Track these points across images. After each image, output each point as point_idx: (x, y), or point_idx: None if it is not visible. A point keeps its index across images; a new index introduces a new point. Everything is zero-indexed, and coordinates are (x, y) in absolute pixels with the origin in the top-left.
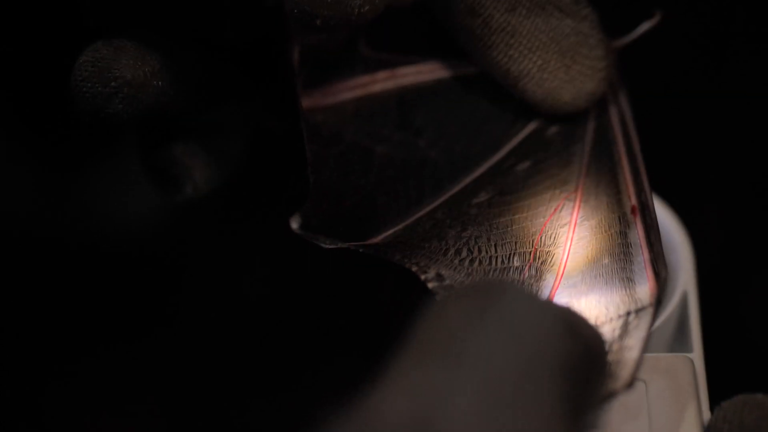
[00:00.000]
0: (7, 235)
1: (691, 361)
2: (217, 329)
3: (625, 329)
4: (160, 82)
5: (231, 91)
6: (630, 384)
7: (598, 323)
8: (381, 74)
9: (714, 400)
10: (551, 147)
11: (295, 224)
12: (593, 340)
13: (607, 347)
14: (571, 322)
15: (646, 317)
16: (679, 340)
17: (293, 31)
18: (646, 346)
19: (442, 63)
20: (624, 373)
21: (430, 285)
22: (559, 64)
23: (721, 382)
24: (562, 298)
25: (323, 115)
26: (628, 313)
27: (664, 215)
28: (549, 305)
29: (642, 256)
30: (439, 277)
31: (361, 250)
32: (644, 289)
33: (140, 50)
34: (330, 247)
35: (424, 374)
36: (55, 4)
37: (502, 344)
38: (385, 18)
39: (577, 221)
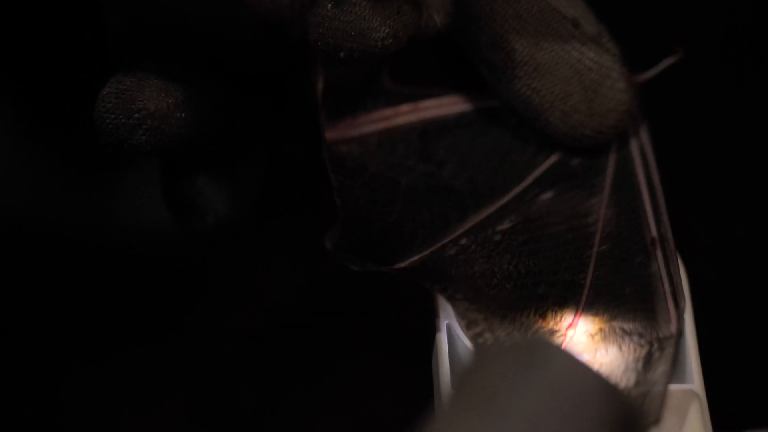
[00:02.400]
0: (29, 234)
1: (698, 396)
2: (233, 333)
3: (648, 361)
4: (183, 114)
5: (253, 121)
6: (658, 420)
7: (623, 352)
8: (404, 107)
9: None
10: (573, 178)
11: (328, 242)
12: (631, 409)
13: (643, 420)
14: (613, 390)
15: (669, 349)
16: (675, 367)
17: (317, 63)
18: (670, 380)
19: (464, 96)
20: (653, 408)
21: (456, 309)
22: (582, 97)
23: (721, 414)
24: (585, 326)
25: (347, 147)
26: (651, 344)
27: None
28: (592, 371)
29: (662, 288)
30: (465, 301)
31: (391, 273)
32: (665, 320)
33: (164, 82)
34: (358, 269)
35: (466, 426)
36: (82, 31)
37: (545, 402)
38: (408, 51)
39: (599, 251)
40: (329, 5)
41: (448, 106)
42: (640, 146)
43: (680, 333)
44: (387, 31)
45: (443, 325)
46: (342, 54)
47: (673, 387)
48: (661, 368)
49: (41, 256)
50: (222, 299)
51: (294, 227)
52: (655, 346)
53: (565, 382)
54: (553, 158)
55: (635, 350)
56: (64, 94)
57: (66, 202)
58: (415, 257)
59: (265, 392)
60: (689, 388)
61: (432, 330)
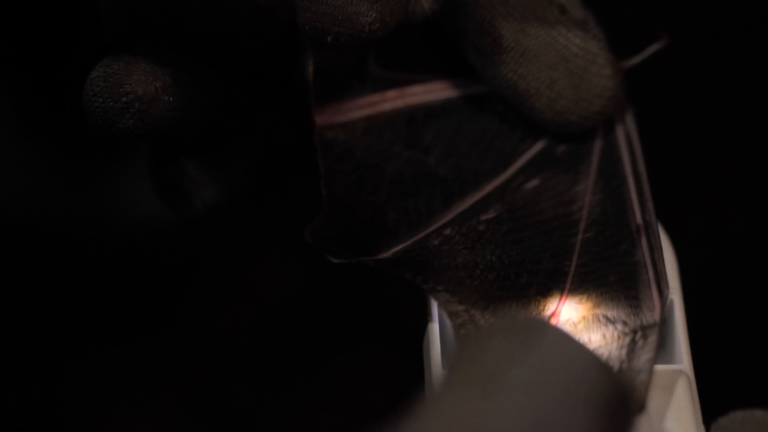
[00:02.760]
0: (24, 230)
1: (687, 376)
2: (227, 329)
3: (632, 349)
4: (171, 98)
5: (243, 106)
6: (642, 408)
7: (606, 340)
8: (390, 93)
9: (705, 413)
10: (559, 165)
11: (308, 236)
12: (623, 388)
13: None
14: (604, 366)
15: (652, 337)
16: (664, 349)
17: (306, 48)
18: (653, 369)
19: (451, 81)
20: (637, 397)
21: (438, 304)
22: (568, 83)
23: (710, 394)
24: (568, 314)
25: (334, 132)
26: (635, 331)
27: None
28: (585, 347)
29: (646, 275)
30: (448, 293)
31: (372, 265)
32: (649, 307)
33: (152, 65)
34: (339, 261)
35: (463, 405)
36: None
37: (540, 378)
38: (395, 36)
39: (583, 239)
40: None
41: (435, 92)
42: (626, 133)
43: (663, 321)
44: (374, 15)
45: (435, 314)
46: (329, 38)
47: (662, 367)
48: (645, 356)
49: (36, 251)
50: (216, 295)
51: (287, 222)
52: (639, 334)
53: (560, 359)
54: (539, 145)
55: (619, 338)
56: (61, 88)
57: (61, 197)
58: (399, 247)
59: (259, 387)
60: (678, 368)
61: (424, 322)
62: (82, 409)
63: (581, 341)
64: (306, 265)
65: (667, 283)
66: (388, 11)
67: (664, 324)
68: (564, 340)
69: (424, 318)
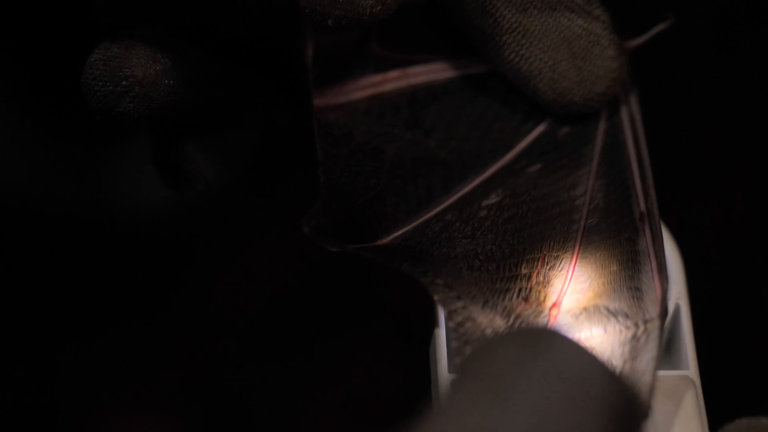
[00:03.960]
0: (20, 211)
1: (694, 383)
2: (225, 312)
3: (634, 346)
4: (171, 81)
5: (243, 88)
6: (647, 414)
7: (608, 334)
8: (392, 73)
9: (710, 420)
10: (562, 148)
11: (305, 226)
12: (631, 395)
13: (644, 404)
14: (613, 374)
15: (654, 332)
16: (670, 354)
17: (306, 31)
18: (656, 368)
19: (453, 62)
20: (643, 403)
21: (437, 298)
22: (571, 64)
23: (716, 400)
24: (569, 305)
25: (335, 114)
26: (636, 325)
27: None
28: (593, 356)
29: (649, 265)
30: (447, 287)
31: (368, 255)
32: (651, 299)
33: (151, 48)
34: (336, 250)
35: (472, 413)
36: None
37: (550, 387)
38: (397, 17)
39: (586, 225)
40: None
41: (436, 72)
42: (630, 116)
43: (665, 313)
44: None
45: (441, 320)
46: (330, 22)
47: (669, 373)
48: (648, 355)
49: (32, 234)
50: (214, 279)
51: (286, 204)
52: (641, 328)
53: (568, 369)
54: (541, 127)
55: (621, 332)
56: (60, 71)
57: (58, 180)
58: (398, 233)
59: (256, 371)
60: (685, 374)
61: (423, 303)
62: (77, 392)
63: (584, 338)
64: (305, 248)
65: (666, 274)
66: None
67: (665, 317)
68: (572, 350)
69: (424, 299)
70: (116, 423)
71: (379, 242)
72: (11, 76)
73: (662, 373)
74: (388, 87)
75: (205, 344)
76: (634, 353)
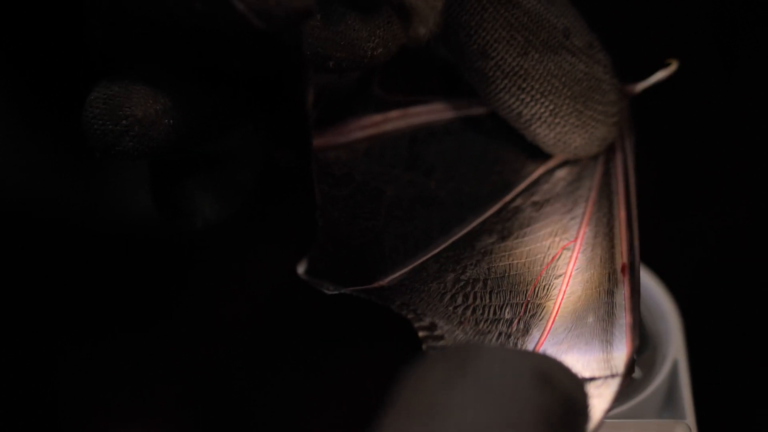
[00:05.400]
0: (22, 220)
1: (689, 428)
2: (224, 321)
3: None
4: (171, 120)
5: (242, 127)
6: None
7: None
8: (393, 113)
9: None
10: (557, 190)
11: (301, 269)
12: (572, 390)
13: (586, 392)
14: (549, 374)
15: (612, 388)
16: (669, 409)
17: (308, 72)
18: (605, 416)
19: (453, 103)
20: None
21: (421, 334)
22: (571, 108)
23: None
24: None
25: (335, 153)
26: (600, 379)
27: (652, 284)
28: (525, 360)
29: (624, 320)
30: (432, 326)
31: (363, 297)
32: (621, 355)
33: (151, 88)
34: (333, 293)
35: None
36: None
37: (481, 402)
38: (397, 59)
39: (572, 273)
40: (319, 16)
41: (437, 112)
42: (624, 164)
43: (630, 370)
44: (376, 41)
45: None
46: (331, 63)
47: (667, 421)
48: (599, 400)
49: (32, 242)
50: (213, 288)
51: (285, 214)
52: (603, 381)
53: (496, 377)
54: (540, 169)
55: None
56: (60, 78)
57: (58, 187)
58: (396, 274)
59: (256, 381)
60: (683, 422)
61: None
62: (77, 401)
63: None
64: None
65: (638, 332)
66: (390, 37)
67: (629, 375)
68: (500, 358)
69: None
70: (116, 430)
71: (375, 285)
72: (9, 81)
73: (664, 420)
74: (389, 127)
75: (205, 352)
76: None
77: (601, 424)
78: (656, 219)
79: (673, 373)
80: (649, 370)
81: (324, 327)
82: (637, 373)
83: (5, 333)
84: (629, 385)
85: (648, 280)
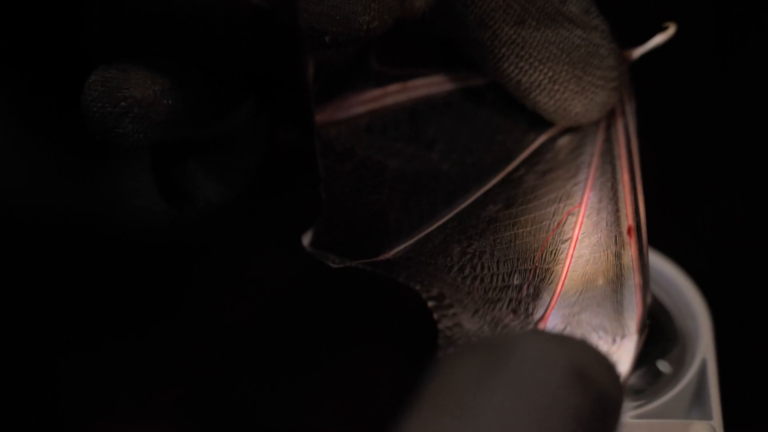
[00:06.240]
0: (23, 223)
1: (713, 428)
2: (227, 323)
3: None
4: (170, 101)
5: (242, 106)
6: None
7: None
8: (392, 87)
9: None
10: (560, 158)
11: (306, 242)
12: (607, 387)
13: (621, 387)
14: (585, 369)
15: (629, 347)
16: (697, 408)
17: (305, 48)
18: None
19: (453, 74)
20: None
21: (430, 304)
22: (570, 75)
23: None
24: (556, 320)
25: (336, 130)
26: (614, 340)
27: (683, 282)
28: (560, 354)
29: (632, 280)
30: (441, 296)
31: (368, 269)
32: (631, 315)
33: (149, 70)
34: (338, 266)
35: (437, 430)
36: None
37: (512, 402)
38: (394, 31)
39: (579, 237)
40: None
41: (437, 84)
42: (626, 128)
43: (643, 328)
44: (371, 14)
45: None
46: (327, 38)
47: (694, 421)
48: (620, 365)
49: (33, 244)
50: (216, 290)
51: (287, 215)
52: (618, 342)
53: (531, 375)
54: (542, 137)
55: (598, 346)
56: (61, 81)
57: (59, 189)
58: (401, 247)
59: (259, 383)
60: (709, 423)
61: (426, 319)
62: (79, 405)
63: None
64: (306, 259)
65: (650, 289)
66: (385, 9)
67: (644, 332)
68: (533, 353)
69: (426, 315)
70: None
71: (381, 257)
72: (10, 82)
73: (686, 421)
74: (389, 101)
75: (207, 355)
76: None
77: (625, 387)
78: (682, 209)
79: (702, 373)
80: (678, 369)
81: (325, 329)
82: (666, 368)
83: (6, 335)
84: (658, 382)
85: (679, 278)
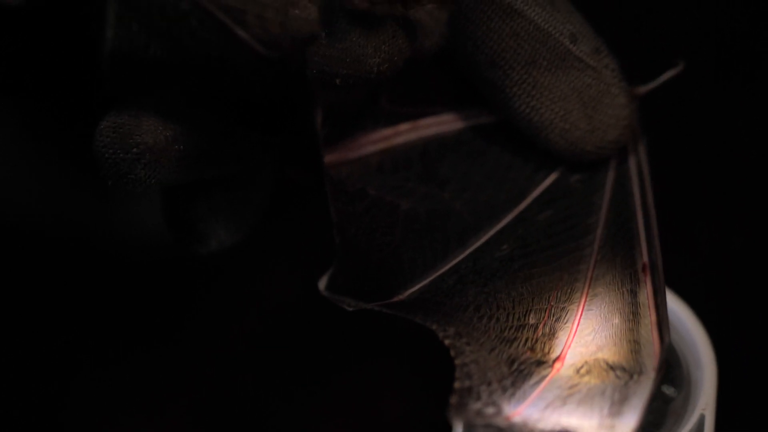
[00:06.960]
0: (34, 237)
1: None
2: (238, 337)
3: (624, 393)
4: (181, 146)
5: (253, 148)
6: None
7: (604, 386)
8: (403, 126)
9: None
10: (573, 196)
11: (321, 286)
12: None
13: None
14: None
15: (647, 383)
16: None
17: (316, 92)
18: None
19: (463, 113)
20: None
21: (447, 342)
22: (582, 114)
23: None
24: (573, 358)
25: (347, 169)
26: (631, 377)
27: (696, 329)
28: None
29: (649, 318)
30: (457, 335)
31: (384, 311)
32: (648, 353)
33: (161, 115)
34: (353, 309)
35: None
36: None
37: None
38: (405, 71)
39: (593, 276)
40: (324, 34)
41: (447, 123)
42: (638, 164)
43: (662, 368)
44: (382, 56)
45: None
46: (338, 81)
47: None
48: (636, 399)
49: (43, 258)
50: (226, 303)
51: (299, 230)
52: (635, 378)
53: None
54: (553, 175)
55: (614, 382)
56: (72, 97)
57: (69, 204)
58: (414, 288)
59: (270, 397)
60: None
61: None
62: (88, 417)
63: (575, 393)
64: (315, 273)
65: (668, 327)
66: (395, 51)
67: (661, 372)
68: None
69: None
70: None
71: (396, 299)
72: (26, 101)
73: None
74: (400, 140)
75: (216, 369)
76: (623, 396)
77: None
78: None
79: (699, 428)
80: (677, 420)
81: (335, 343)
82: (671, 392)
83: (15, 350)
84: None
85: (693, 325)
